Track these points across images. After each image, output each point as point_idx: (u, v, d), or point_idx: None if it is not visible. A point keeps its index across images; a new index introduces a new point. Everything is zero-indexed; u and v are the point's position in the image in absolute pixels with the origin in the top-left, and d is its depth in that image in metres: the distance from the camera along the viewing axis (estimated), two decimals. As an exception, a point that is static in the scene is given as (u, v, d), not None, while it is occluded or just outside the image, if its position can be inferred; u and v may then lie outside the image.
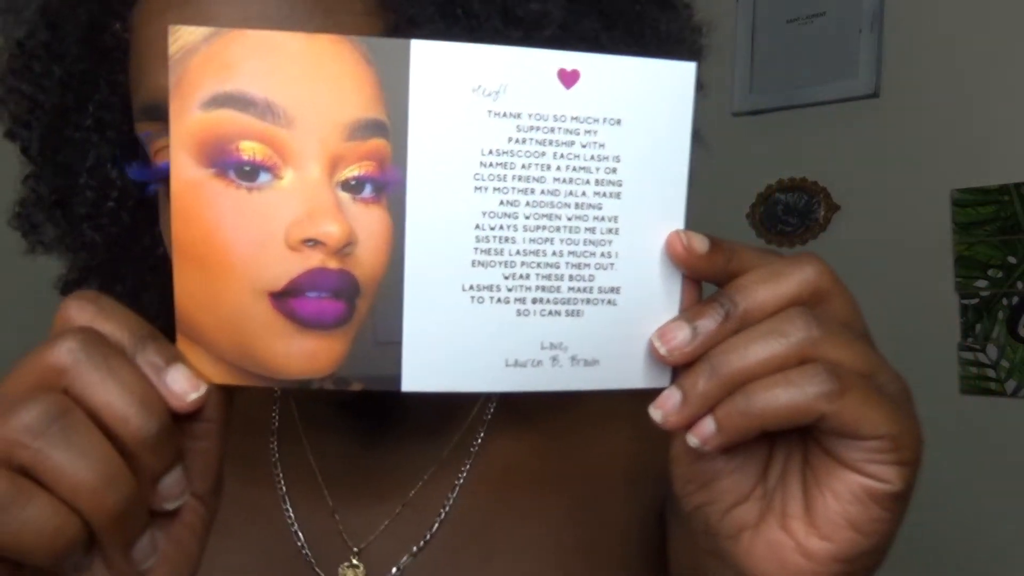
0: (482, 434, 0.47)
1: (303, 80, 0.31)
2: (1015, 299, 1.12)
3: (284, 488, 0.46)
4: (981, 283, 1.14)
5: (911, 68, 1.23)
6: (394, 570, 0.44)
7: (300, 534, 0.45)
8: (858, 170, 1.28)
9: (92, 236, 0.45)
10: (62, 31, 0.42)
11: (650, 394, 0.35)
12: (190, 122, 0.31)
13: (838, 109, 1.30)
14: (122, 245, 0.45)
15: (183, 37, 0.29)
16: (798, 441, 0.32)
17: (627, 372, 0.32)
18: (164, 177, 0.36)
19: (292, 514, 0.45)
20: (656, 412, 0.30)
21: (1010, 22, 1.15)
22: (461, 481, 0.46)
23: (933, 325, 1.18)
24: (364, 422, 0.46)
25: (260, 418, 0.49)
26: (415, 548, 0.44)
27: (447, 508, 0.45)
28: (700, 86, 0.38)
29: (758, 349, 0.28)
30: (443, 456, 0.46)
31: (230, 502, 0.40)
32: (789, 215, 1.33)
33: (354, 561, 0.44)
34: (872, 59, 1.25)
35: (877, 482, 0.30)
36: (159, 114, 0.35)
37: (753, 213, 1.36)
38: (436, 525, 0.45)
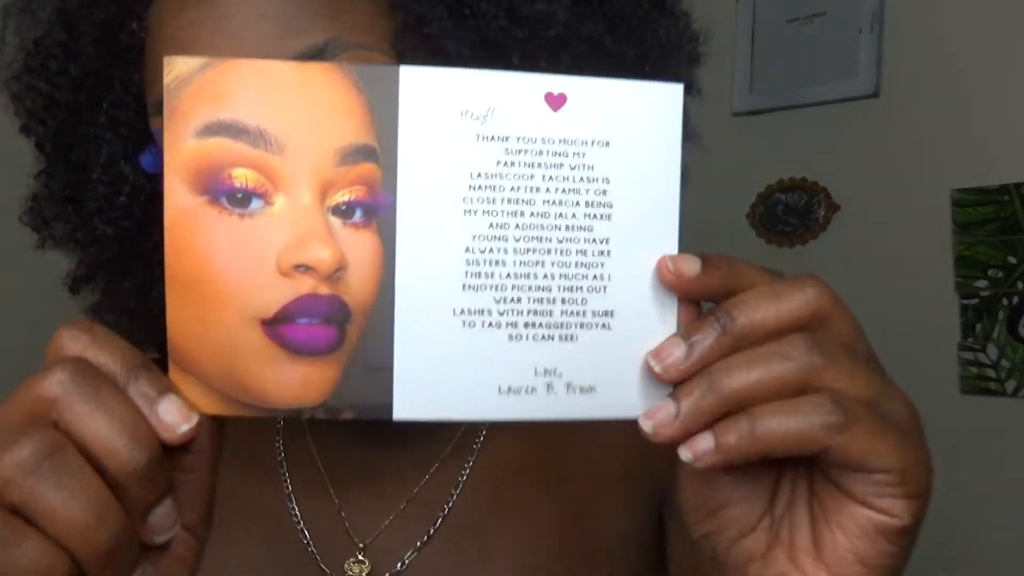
0: (484, 432, 0.48)
1: (295, 108, 0.31)
2: (1015, 299, 1.12)
3: (290, 486, 0.47)
4: (981, 283, 1.14)
5: (911, 68, 1.23)
6: (399, 565, 0.44)
7: (306, 531, 0.45)
8: (858, 170, 1.27)
9: (104, 230, 0.45)
10: (78, 31, 0.42)
11: None
12: (184, 150, 0.31)
13: (838, 109, 1.30)
14: (132, 240, 0.45)
15: (177, 67, 0.29)
16: (805, 471, 0.32)
17: (624, 400, 0.32)
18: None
19: (298, 511, 0.46)
20: (646, 423, 0.29)
21: (1010, 22, 1.15)
22: (464, 478, 0.46)
23: (933, 325, 1.18)
24: (368, 422, 0.43)
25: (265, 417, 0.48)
26: (419, 543, 0.45)
27: (450, 504, 0.46)
28: (699, 91, 0.40)
29: (760, 369, 0.28)
30: (445, 453, 0.47)
31: (236, 500, 0.44)
32: (789, 215, 1.33)
33: (360, 556, 0.45)
34: (872, 59, 1.25)
35: (886, 516, 0.29)
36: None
37: (753, 213, 1.37)
38: (440, 521, 0.45)
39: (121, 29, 0.42)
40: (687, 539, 0.40)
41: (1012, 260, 1.12)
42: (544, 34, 0.41)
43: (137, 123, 0.44)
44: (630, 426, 0.43)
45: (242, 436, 0.44)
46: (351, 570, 0.45)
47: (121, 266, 0.47)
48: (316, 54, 0.37)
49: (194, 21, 0.38)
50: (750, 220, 1.37)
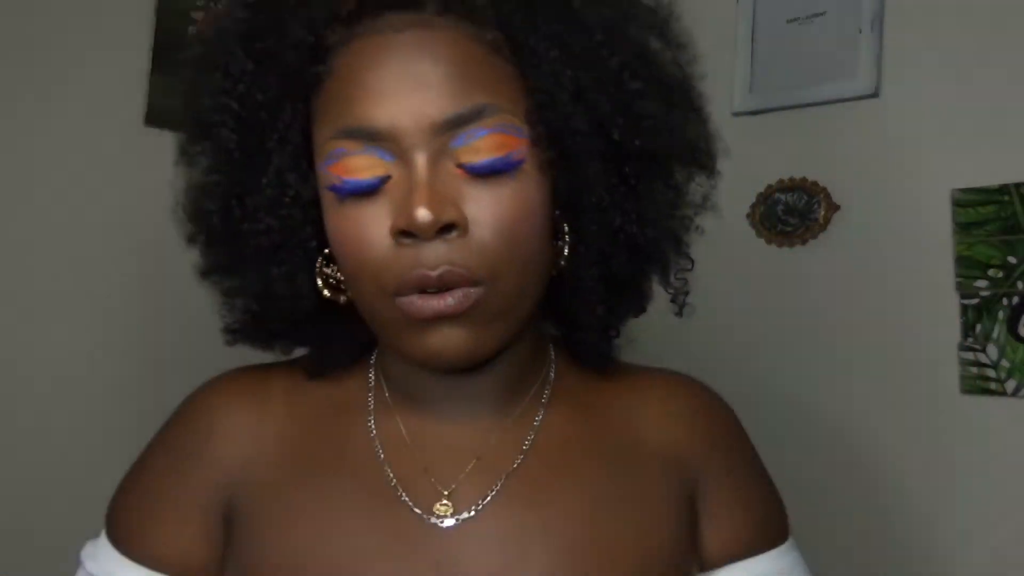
0: (542, 412, 0.60)
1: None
2: (1015, 299, 1.12)
3: (383, 454, 0.58)
4: (981, 283, 1.14)
5: (911, 68, 1.23)
6: (473, 510, 0.56)
7: (400, 489, 0.57)
8: (858, 170, 1.27)
9: (269, 223, 0.55)
10: (266, 65, 0.54)
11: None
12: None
13: (838, 109, 1.30)
14: (287, 235, 0.56)
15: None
16: None
17: None
18: (352, 190, 0.51)
19: (391, 473, 0.57)
20: None
21: (1010, 22, 1.15)
22: (527, 445, 0.59)
23: (933, 325, 1.18)
24: (444, 402, 0.60)
25: (357, 402, 0.61)
26: (491, 492, 0.57)
27: (516, 464, 0.58)
28: (715, 202, 0.62)
29: None
30: (507, 425, 0.59)
31: (340, 472, 0.57)
32: (789, 215, 1.33)
33: (445, 500, 0.56)
34: (872, 59, 1.25)
35: None
36: (359, 135, 0.51)
37: (753, 213, 1.36)
38: (504, 477, 0.57)
39: (305, 70, 0.53)
40: (717, 528, 0.60)
41: (1012, 260, 1.12)
42: (636, 139, 0.54)
43: (300, 142, 0.55)
44: (660, 424, 0.62)
45: (335, 419, 0.60)
46: (439, 511, 0.56)
47: (272, 257, 0.57)
48: (476, 114, 0.50)
49: (385, 76, 0.50)
50: (750, 220, 1.37)
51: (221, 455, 0.60)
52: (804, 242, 1.32)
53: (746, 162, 1.36)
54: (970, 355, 1.15)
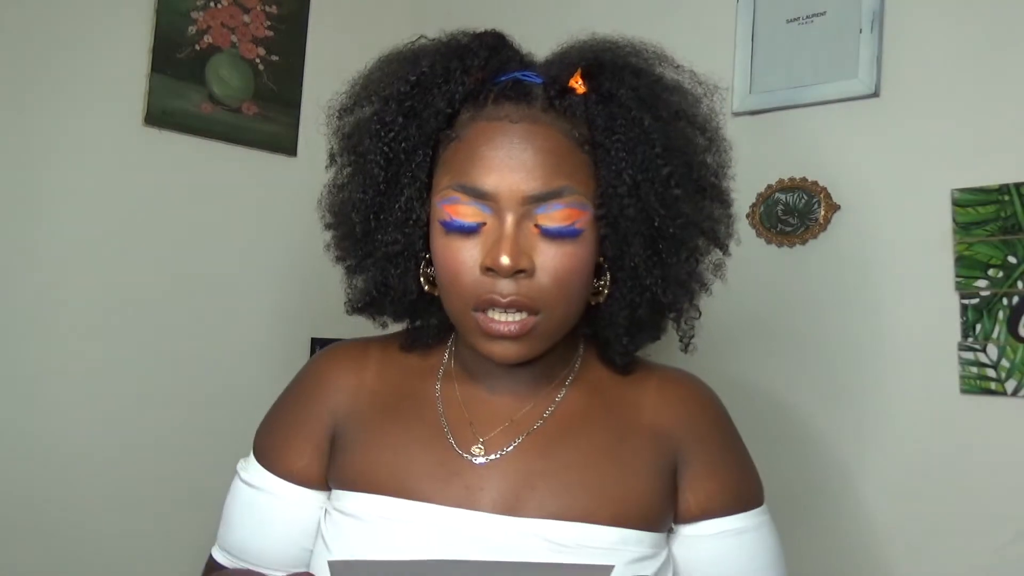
0: (563, 391, 0.82)
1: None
2: (1015, 299, 1.12)
3: (442, 410, 0.81)
4: (981, 283, 1.14)
5: (911, 68, 1.23)
6: (500, 452, 0.78)
7: (449, 434, 0.79)
8: (858, 170, 1.27)
9: (396, 236, 0.77)
10: (412, 123, 0.75)
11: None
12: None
13: (838, 109, 1.30)
14: (407, 245, 0.77)
15: None
16: None
17: None
18: (457, 228, 0.72)
19: (445, 423, 0.80)
20: None
21: (1010, 22, 1.15)
22: (547, 414, 0.80)
23: (933, 325, 1.18)
24: (493, 379, 0.82)
25: (431, 370, 0.84)
26: (514, 443, 0.78)
27: (536, 426, 0.79)
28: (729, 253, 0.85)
29: None
30: (537, 398, 0.81)
31: (410, 421, 0.80)
32: (789, 215, 1.33)
33: (480, 444, 0.78)
34: (872, 59, 1.25)
35: None
36: (470, 192, 0.71)
37: (753, 213, 1.36)
38: (527, 434, 0.79)
39: (441, 131, 0.74)
40: (694, 491, 0.80)
41: (1012, 260, 1.12)
42: (670, 224, 0.75)
43: (426, 179, 0.76)
44: (654, 408, 0.82)
45: (414, 381, 0.83)
46: (474, 452, 0.78)
47: (392, 263, 0.78)
48: (556, 193, 0.71)
49: (497, 155, 0.71)
50: (750, 220, 1.37)
51: (330, 400, 0.84)
52: (804, 242, 1.32)
53: (746, 162, 1.35)
54: (970, 355, 1.15)
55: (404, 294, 0.80)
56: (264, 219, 1.69)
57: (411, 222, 0.76)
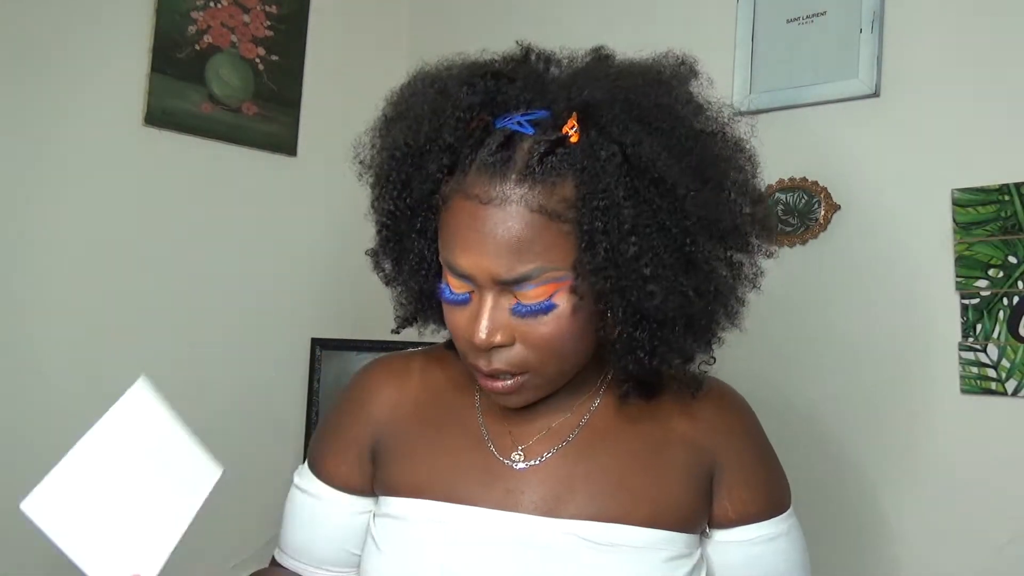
0: (597, 401, 0.84)
1: None
2: (1015, 299, 1.12)
3: (482, 420, 0.84)
4: (981, 283, 1.14)
5: (911, 68, 1.23)
6: (538, 459, 0.81)
7: (490, 442, 0.82)
8: (858, 170, 1.27)
9: (412, 283, 0.82)
10: (408, 188, 0.77)
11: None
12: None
13: (838, 109, 1.30)
14: (426, 288, 0.82)
15: None
16: None
17: None
18: (450, 301, 0.75)
19: (485, 431, 0.83)
20: None
21: (1010, 22, 1.15)
22: (583, 422, 0.83)
23: (933, 325, 1.18)
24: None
25: (471, 382, 0.86)
26: (552, 450, 0.81)
27: (572, 436, 0.82)
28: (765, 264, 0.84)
29: None
30: (573, 408, 0.84)
31: (451, 429, 0.84)
32: (789, 215, 1.33)
33: (519, 451, 0.81)
34: (872, 59, 1.25)
35: None
36: (451, 269, 0.73)
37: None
38: (564, 443, 0.82)
39: (432, 196, 0.75)
40: (729, 499, 0.82)
41: (1012, 260, 1.12)
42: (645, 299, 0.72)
43: (435, 231, 0.77)
44: (688, 417, 0.84)
45: (454, 394, 0.87)
46: (514, 456, 0.81)
47: (423, 299, 0.84)
48: (529, 276, 0.70)
49: (472, 240, 0.71)
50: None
51: (374, 413, 0.88)
52: (804, 242, 1.32)
53: (746, 162, 1.36)
54: (970, 355, 1.15)
55: (436, 323, 0.85)
56: (264, 219, 1.69)
57: (423, 272, 0.80)
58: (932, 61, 1.21)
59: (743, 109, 1.38)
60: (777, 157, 1.35)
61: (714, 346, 0.79)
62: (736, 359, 1.35)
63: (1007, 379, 1.11)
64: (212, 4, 1.60)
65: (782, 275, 1.33)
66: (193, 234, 1.59)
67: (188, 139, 1.57)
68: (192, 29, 1.57)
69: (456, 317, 0.76)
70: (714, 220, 0.73)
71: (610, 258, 0.69)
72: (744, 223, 0.76)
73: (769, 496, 0.85)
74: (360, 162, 0.83)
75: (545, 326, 0.72)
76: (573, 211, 0.70)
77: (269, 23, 1.69)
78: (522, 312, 0.71)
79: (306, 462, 0.92)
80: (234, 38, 1.63)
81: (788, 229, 1.33)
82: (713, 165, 0.74)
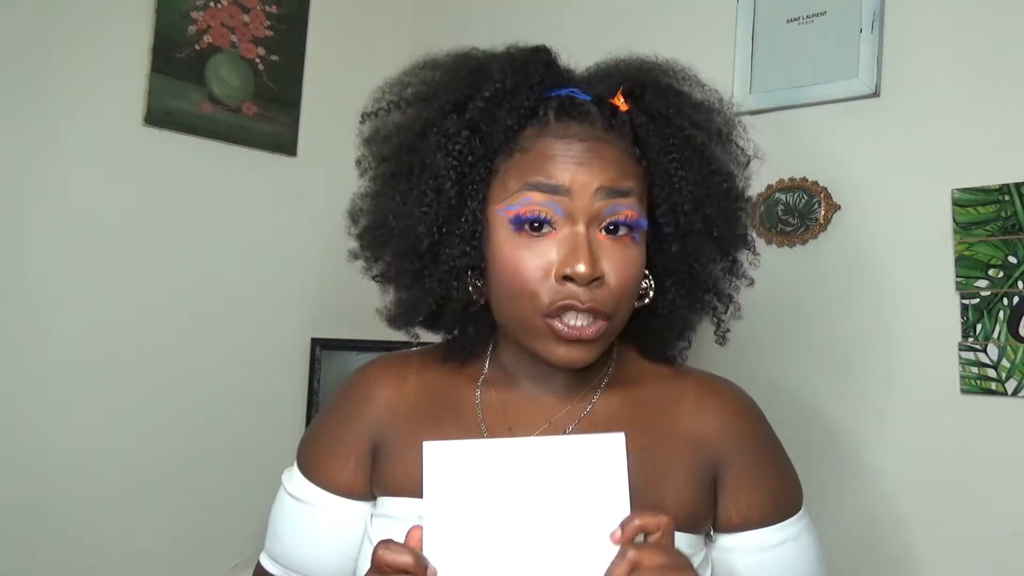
0: (597, 394, 0.83)
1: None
2: (1016, 299, 1.12)
3: (481, 415, 0.83)
4: (981, 283, 1.14)
5: (911, 68, 1.23)
6: None
7: (488, 437, 0.80)
8: (858, 170, 1.27)
9: (462, 249, 0.77)
10: (479, 137, 0.76)
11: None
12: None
13: (838, 109, 1.30)
14: (474, 256, 0.77)
15: None
16: None
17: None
18: (531, 219, 0.74)
19: (485, 428, 0.82)
20: None
21: (1010, 21, 1.15)
22: (583, 415, 0.82)
23: (933, 325, 1.18)
24: (532, 386, 0.84)
25: (470, 379, 0.86)
26: None
27: (572, 428, 0.81)
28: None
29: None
30: (574, 401, 0.83)
31: (449, 428, 0.81)
32: (789, 215, 1.33)
33: None
34: (872, 59, 1.25)
35: None
36: (545, 188, 0.73)
37: (753, 213, 1.36)
38: (566, 433, 0.80)
39: (508, 145, 0.76)
40: (735, 502, 0.81)
41: (1012, 260, 1.12)
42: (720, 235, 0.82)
43: (486, 191, 0.77)
44: (694, 416, 0.83)
45: (455, 389, 0.85)
46: None
47: (453, 270, 0.78)
48: (625, 192, 0.74)
49: (570, 154, 0.73)
50: (750, 220, 1.37)
51: (372, 414, 0.86)
52: (804, 242, 1.32)
53: (746, 162, 1.36)
54: (970, 355, 1.15)
55: (466, 305, 0.80)
56: (264, 219, 1.69)
57: (477, 234, 0.77)
58: (932, 61, 1.21)
59: (743, 109, 1.38)
60: (777, 157, 1.34)
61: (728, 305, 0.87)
62: (735, 359, 1.35)
63: (1007, 379, 1.11)
64: (212, 4, 1.60)
65: (782, 275, 1.33)
66: (193, 234, 1.59)
67: (188, 139, 1.57)
68: (192, 29, 1.57)
69: (531, 258, 0.74)
70: (732, 184, 0.83)
71: (697, 198, 0.77)
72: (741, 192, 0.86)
73: (776, 500, 0.82)
74: (374, 142, 0.83)
75: (630, 262, 0.75)
76: (644, 163, 0.77)
77: (269, 23, 1.69)
78: (620, 223, 0.74)
79: (297, 467, 0.88)
80: (234, 38, 1.63)
81: (788, 229, 1.33)
82: (736, 144, 0.87)
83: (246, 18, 1.65)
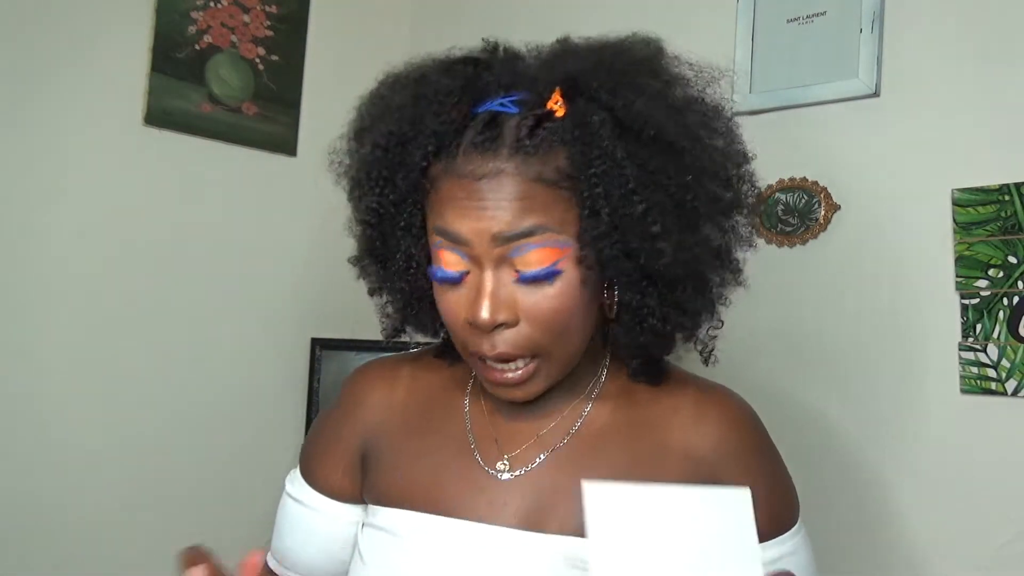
0: (590, 405, 0.80)
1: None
2: (1015, 299, 1.12)
3: (469, 424, 0.81)
4: (981, 283, 1.14)
5: (911, 68, 1.23)
6: (525, 468, 0.77)
7: (476, 450, 0.79)
8: (858, 170, 1.27)
9: (401, 285, 0.78)
10: (394, 179, 0.74)
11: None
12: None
13: (838, 109, 1.30)
14: (416, 291, 0.78)
15: None
16: None
17: None
18: (441, 279, 0.71)
19: (472, 438, 0.80)
20: None
21: (1010, 22, 1.15)
22: (574, 430, 0.78)
23: (933, 325, 1.18)
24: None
25: (459, 386, 0.85)
26: (538, 460, 0.77)
27: (561, 444, 0.78)
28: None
29: None
30: (564, 413, 0.79)
31: (438, 437, 0.81)
32: (789, 215, 1.33)
33: (504, 461, 0.78)
34: (872, 59, 1.25)
35: None
36: (448, 236, 0.70)
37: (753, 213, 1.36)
38: (551, 451, 0.77)
39: (419, 183, 0.72)
40: None
41: (1012, 260, 1.12)
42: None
43: (422, 227, 0.74)
44: (687, 429, 0.77)
45: (443, 393, 0.84)
46: (500, 466, 0.78)
47: (412, 303, 0.80)
48: (528, 233, 0.67)
49: (467, 204, 0.68)
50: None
51: (362, 420, 0.86)
52: (804, 242, 1.32)
53: (746, 162, 1.36)
54: (970, 355, 1.15)
55: (424, 331, 0.82)
56: (264, 219, 1.69)
57: (412, 270, 0.76)
58: (932, 61, 1.21)
59: (743, 109, 1.38)
60: (777, 157, 1.35)
61: (720, 307, 0.78)
62: (734, 359, 1.35)
63: (1007, 379, 1.11)
64: (212, 4, 1.60)
65: (782, 275, 1.33)
66: (193, 234, 1.59)
67: (188, 139, 1.57)
68: (192, 29, 1.57)
69: (451, 300, 0.72)
70: (712, 175, 0.72)
71: (615, 222, 0.67)
72: (735, 180, 0.77)
73: (772, 516, 0.77)
74: (338, 167, 0.81)
75: (550, 299, 0.69)
76: (569, 181, 0.68)
77: (269, 23, 1.69)
78: (527, 279, 0.68)
79: (298, 469, 0.90)
80: (234, 38, 1.63)
81: (788, 229, 1.33)
82: (703, 126, 0.74)
83: (246, 18, 1.65)
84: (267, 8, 1.69)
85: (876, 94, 1.25)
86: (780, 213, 1.34)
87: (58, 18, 1.42)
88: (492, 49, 0.78)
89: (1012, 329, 1.12)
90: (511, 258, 0.68)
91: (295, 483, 0.89)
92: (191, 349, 1.59)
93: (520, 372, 0.72)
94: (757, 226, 1.36)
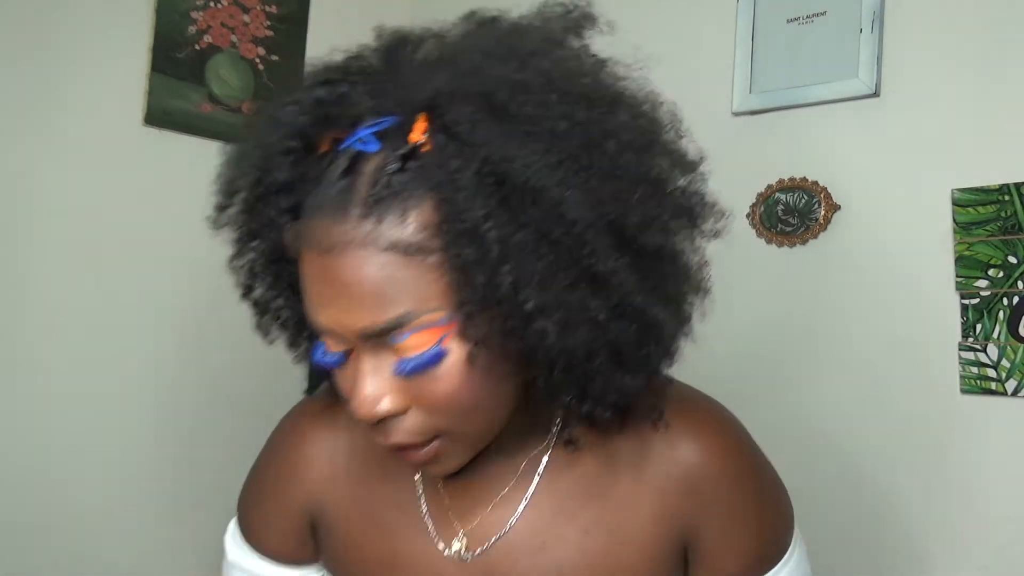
0: (546, 458, 0.68)
1: None
2: (1015, 299, 1.12)
3: (421, 490, 0.70)
4: (981, 283, 1.14)
5: (911, 68, 1.23)
6: (485, 544, 0.67)
7: (429, 524, 0.69)
8: (858, 170, 1.27)
9: (296, 352, 0.72)
10: (258, 240, 0.65)
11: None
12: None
13: (838, 109, 1.30)
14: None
15: None
16: None
17: None
18: (324, 365, 0.61)
19: (426, 510, 0.69)
20: None
21: (1010, 22, 1.15)
22: (531, 492, 0.67)
23: (933, 325, 1.18)
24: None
25: None
26: (499, 534, 0.67)
27: (520, 509, 0.67)
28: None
29: None
30: (520, 468, 0.68)
31: (387, 507, 0.71)
32: (789, 215, 1.33)
33: (461, 536, 0.68)
34: (872, 59, 1.25)
35: None
36: (315, 325, 0.58)
37: (753, 213, 1.37)
38: (514, 519, 0.67)
39: (278, 247, 0.61)
40: (710, 568, 0.66)
41: (1012, 260, 1.12)
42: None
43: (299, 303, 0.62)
44: (660, 474, 0.66)
45: (392, 461, 0.70)
46: (456, 544, 0.67)
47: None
48: (397, 323, 0.54)
49: (321, 291, 0.56)
50: (750, 220, 1.37)
51: (309, 477, 0.75)
52: (804, 242, 1.32)
53: (746, 162, 1.36)
54: (970, 355, 1.15)
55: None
56: (264, 219, 1.69)
57: (304, 335, 0.67)
58: (932, 61, 1.21)
59: (743, 109, 1.38)
60: (777, 157, 1.35)
61: (672, 359, 0.63)
62: (735, 359, 1.36)
63: (1007, 379, 1.11)
64: (212, 4, 1.60)
65: (782, 275, 1.33)
66: (193, 234, 1.59)
67: (188, 139, 1.57)
68: (192, 29, 1.57)
69: (342, 379, 0.61)
70: (619, 215, 0.55)
71: (489, 293, 0.53)
72: (668, 206, 0.58)
73: (761, 551, 0.67)
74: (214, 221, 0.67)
75: (439, 382, 0.56)
76: (438, 239, 0.53)
77: (269, 23, 1.69)
78: (406, 370, 0.56)
79: (237, 523, 0.79)
80: (234, 38, 1.63)
81: (788, 229, 1.33)
82: (615, 137, 0.56)
83: (246, 18, 1.65)
84: (267, 8, 1.69)
85: (876, 94, 1.25)
86: (780, 213, 1.34)
87: (58, 18, 1.42)
88: (381, 46, 0.64)
89: (1012, 329, 1.12)
90: (390, 343, 0.56)
91: (238, 539, 0.78)
92: (190, 349, 1.59)
93: (425, 451, 0.60)
94: (756, 227, 1.36)
